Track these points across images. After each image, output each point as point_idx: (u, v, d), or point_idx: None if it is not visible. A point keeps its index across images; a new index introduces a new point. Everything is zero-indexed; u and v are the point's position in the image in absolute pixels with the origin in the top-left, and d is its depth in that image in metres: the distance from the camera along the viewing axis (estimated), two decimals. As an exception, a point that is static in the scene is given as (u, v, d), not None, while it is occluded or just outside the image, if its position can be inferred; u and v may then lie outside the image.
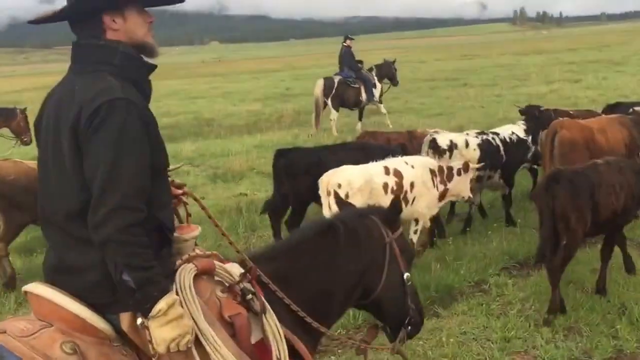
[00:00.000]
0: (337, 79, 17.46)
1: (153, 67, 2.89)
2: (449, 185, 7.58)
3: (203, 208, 3.21)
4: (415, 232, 7.48)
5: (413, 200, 7.28)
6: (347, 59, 17.82)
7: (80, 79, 2.67)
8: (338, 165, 7.25)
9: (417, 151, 8.67)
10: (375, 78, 17.79)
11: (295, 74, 45.97)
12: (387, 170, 7.19)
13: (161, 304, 2.51)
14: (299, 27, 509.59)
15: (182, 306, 2.61)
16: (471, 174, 7.71)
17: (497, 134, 8.92)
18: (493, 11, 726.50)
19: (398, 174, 7.20)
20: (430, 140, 8.55)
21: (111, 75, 2.64)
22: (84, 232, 2.56)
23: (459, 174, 7.60)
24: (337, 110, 17.25)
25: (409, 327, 3.48)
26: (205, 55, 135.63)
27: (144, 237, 2.54)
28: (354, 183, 6.91)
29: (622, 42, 57.39)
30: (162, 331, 2.52)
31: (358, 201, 6.36)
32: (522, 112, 9.83)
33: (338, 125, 17.27)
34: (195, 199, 3.22)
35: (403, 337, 3.47)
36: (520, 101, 20.92)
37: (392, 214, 3.56)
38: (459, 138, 8.66)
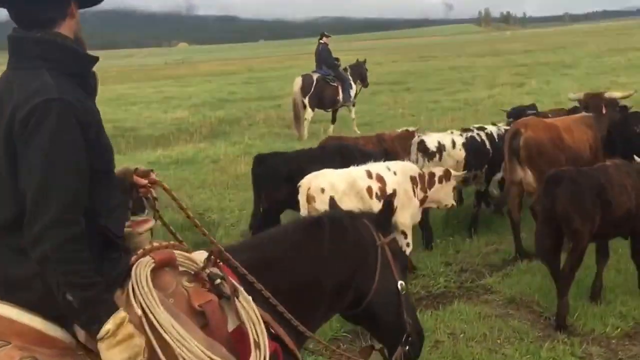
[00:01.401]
0: (315, 76, 16.75)
1: (95, 59, 2.71)
2: (429, 193, 7.30)
3: (174, 199, 3.14)
4: (408, 245, 7.08)
5: (395, 210, 6.58)
6: (325, 57, 17.18)
7: (17, 75, 2.52)
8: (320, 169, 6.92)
9: (389, 156, 8.32)
10: (351, 78, 17.22)
11: (249, 77, 44.71)
12: (369, 174, 6.91)
13: (109, 325, 2.37)
14: (268, 28, 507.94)
15: (139, 309, 2.49)
16: (453, 182, 7.50)
17: (483, 129, 8.81)
18: (459, 12, 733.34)
19: (380, 179, 6.92)
20: (418, 142, 8.43)
21: (49, 71, 2.49)
22: (21, 243, 2.40)
23: (440, 181, 7.37)
24: (314, 110, 16.61)
25: (407, 347, 3.29)
26: (173, 57, 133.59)
27: (84, 252, 2.41)
28: (338, 186, 6.60)
29: (578, 43, 57.12)
30: (112, 354, 2.38)
31: (347, 206, 6.11)
32: (509, 115, 10.02)
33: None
34: (165, 189, 3.13)
35: (399, 358, 3.27)
36: (454, 108, 20.47)
37: (384, 217, 3.46)
38: (445, 138, 8.51)
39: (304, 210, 6.58)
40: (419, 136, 8.59)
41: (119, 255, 2.70)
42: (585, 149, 7.74)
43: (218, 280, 2.73)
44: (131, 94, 36.47)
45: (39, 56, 2.52)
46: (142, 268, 2.61)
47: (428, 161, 8.20)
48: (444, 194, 7.40)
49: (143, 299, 2.51)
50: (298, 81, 16.79)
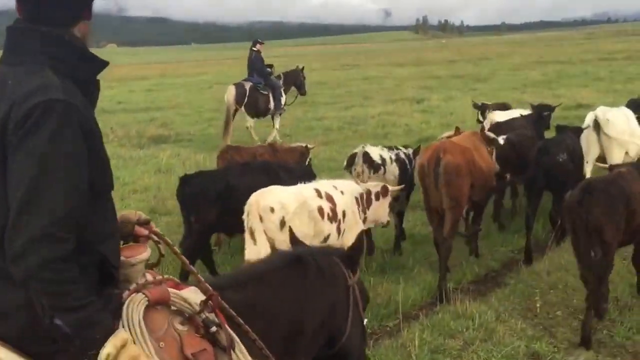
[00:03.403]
0: (247, 85, 16.42)
1: (104, 64, 2.46)
2: (368, 213, 7.06)
3: (174, 253, 2.88)
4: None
5: (343, 233, 6.61)
6: (257, 65, 16.79)
7: (13, 72, 2.26)
8: (250, 189, 6.50)
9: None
10: (283, 86, 16.98)
11: (155, 83, 42.12)
12: (319, 194, 6.58)
13: (108, 348, 2.12)
14: (201, 31, 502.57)
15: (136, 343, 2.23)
16: (389, 198, 7.26)
17: (399, 148, 8.73)
18: (397, 19, 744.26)
19: (330, 199, 6.61)
20: (363, 153, 8.15)
21: (52, 70, 2.25)
22: (3, 266, 2.11)
23: (377, 198, 7.13)
24: (253, 118, 16.42)
25: None
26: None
27: (72, 271, 2.13)
28: (288, 206, 6.23)
29: (504, 55, 56.43)
30: None
31: (296, 227, 5.90)
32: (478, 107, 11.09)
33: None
34: (165, 241, 2.84)
35: None
36: (333, 127, 18.45)
37: (355, 255, 3.36)
38: (384, 152, 8.36)
39: (248, 232, 6.17)
40: (362, 146, 8.38)
41: (113, 292, 2.43)
42: (491, 166, 7.95)
43: (214, 328, 2.50)
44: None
45: (42, 52, 2.27)
46: (135, 307, 2.34)
47: (373, 173, 8.00)
48: (382, 211, 7.17)
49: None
50: (231, 90, 16.36)
